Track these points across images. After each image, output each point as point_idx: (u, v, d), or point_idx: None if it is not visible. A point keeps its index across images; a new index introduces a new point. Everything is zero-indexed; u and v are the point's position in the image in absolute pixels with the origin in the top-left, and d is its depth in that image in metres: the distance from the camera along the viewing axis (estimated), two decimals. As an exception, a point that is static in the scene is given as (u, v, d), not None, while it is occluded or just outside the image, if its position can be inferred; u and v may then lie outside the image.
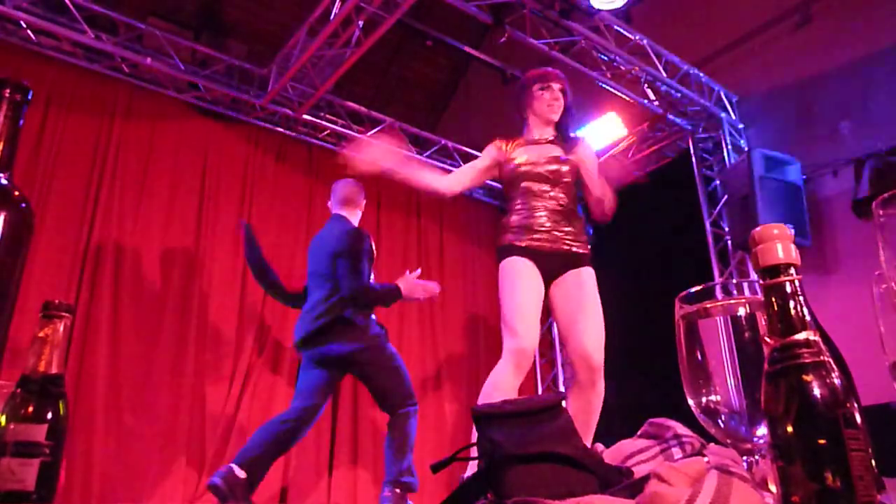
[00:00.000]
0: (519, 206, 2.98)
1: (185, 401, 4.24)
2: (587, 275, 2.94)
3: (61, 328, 0.98)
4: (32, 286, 3.72)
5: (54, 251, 4.06)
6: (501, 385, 2.70)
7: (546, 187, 2.97)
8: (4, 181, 0.88)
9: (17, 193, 0.88)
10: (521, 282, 2.84)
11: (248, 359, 4.59)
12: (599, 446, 1.12)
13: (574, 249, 2.95)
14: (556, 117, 3.16)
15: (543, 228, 2.91)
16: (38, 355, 0.96)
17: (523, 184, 2.99)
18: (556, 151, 3.06)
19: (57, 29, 4.27)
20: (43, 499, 0.89)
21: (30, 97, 0.93)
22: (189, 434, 4.22)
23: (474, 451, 0.97)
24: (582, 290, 2.90)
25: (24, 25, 4.22)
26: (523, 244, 2.88)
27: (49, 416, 0.93)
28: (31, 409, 0.92)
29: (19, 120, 0.91)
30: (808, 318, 0.61)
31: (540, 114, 3.15)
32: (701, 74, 5.02)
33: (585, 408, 2.83)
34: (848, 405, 0.57)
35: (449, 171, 5.96)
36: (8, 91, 0.91)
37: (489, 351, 5.71)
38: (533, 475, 0.87)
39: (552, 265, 2.90)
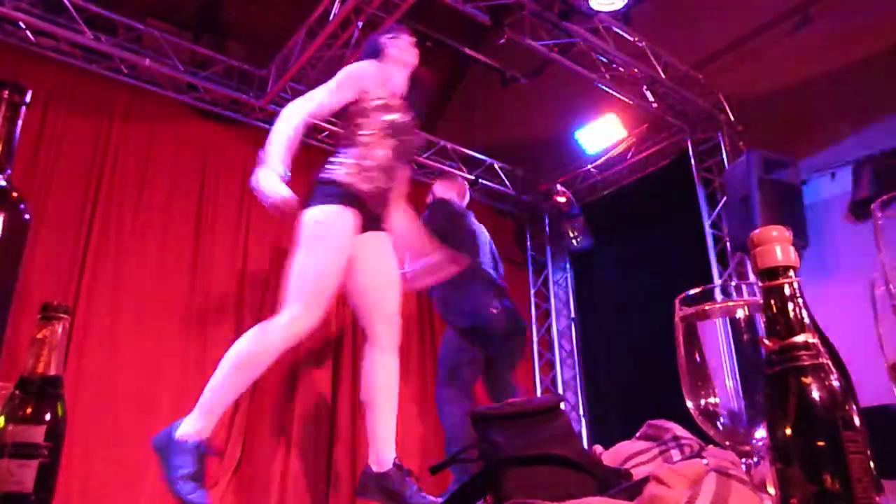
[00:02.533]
0: None
1: (185, 402, 4.23)
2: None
3: (60, 330, 0.98)
4: (31, 287, 3.72)
5: (53, 252, 4.06)
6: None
7: None
8: (3, 182, 0.88)
9: (15, 194, 0.88)
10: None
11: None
12: (598, 448, 1.12)
13: None
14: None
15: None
16: (36, 357, 0.96)
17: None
18: None
19: (56, 30, 4.27)
20: (41, 500, 0.89)
21: (28, 98, 0.93)
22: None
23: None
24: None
25: (23, 26, 4.22)
26: None
27: (47, 417, 0.93)
28: (29, 410, 0.92)
29: (18, 121, 0.91)
30: (807, 320, 0.61)
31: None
32: (700, 76, 5.02)
33: (393, 371, 2.96)
34: (847, 407, 0.57)
35: (450, 173, 5.99)
36: (6, 92, 0.91)
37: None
38: (532, 477, 0.87)
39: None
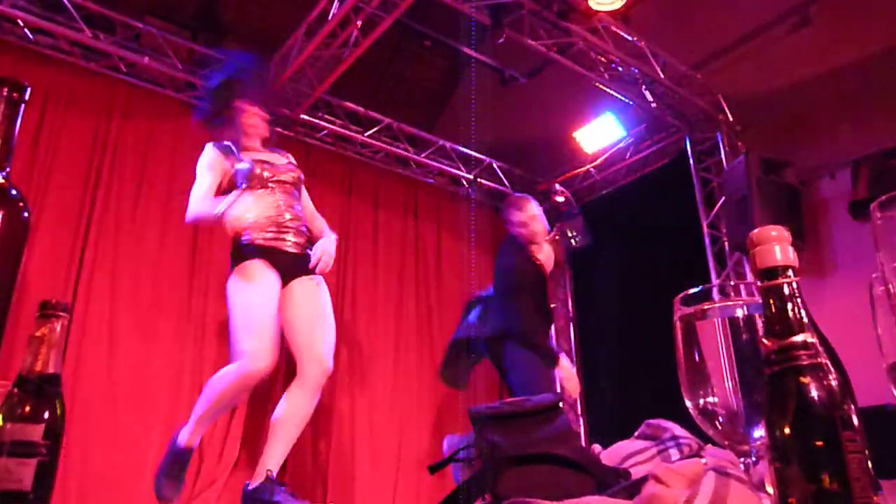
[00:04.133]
0: None
1: (184, 401, 4.23)
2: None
3: (58, 328, 0.98)
4: (29, 285, 3.71)
5: (51, 250, 4.06)
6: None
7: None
8: (2, 180, 0.87)
9: (14, 192, 0.88)
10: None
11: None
12: (597, 447, 1.12)
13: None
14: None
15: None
16: (34, 355, 0.95)
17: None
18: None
19: (54, 28, 4.26)
20: (40, 499, 0.88)
21: (27, 96, 0.93)
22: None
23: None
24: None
25: (22, 24, 4.22)
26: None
27: (46, 415, 0.92)
28: (27, 408, 0.92)
29: (17, 119, 0.91)
30: (805, 320, 0.61)
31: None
32: (699, 76, 5.02)
33: (301, 408, 2.91)
34: (845, 407, 0.57)
35: (447, 172, 5.99)
36: (5, 90, 0.90)
37: (486, 352, 5.71)
38: (531, 476, 0.87)
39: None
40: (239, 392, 2.94)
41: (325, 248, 3.07)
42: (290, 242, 3.01)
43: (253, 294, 2.87)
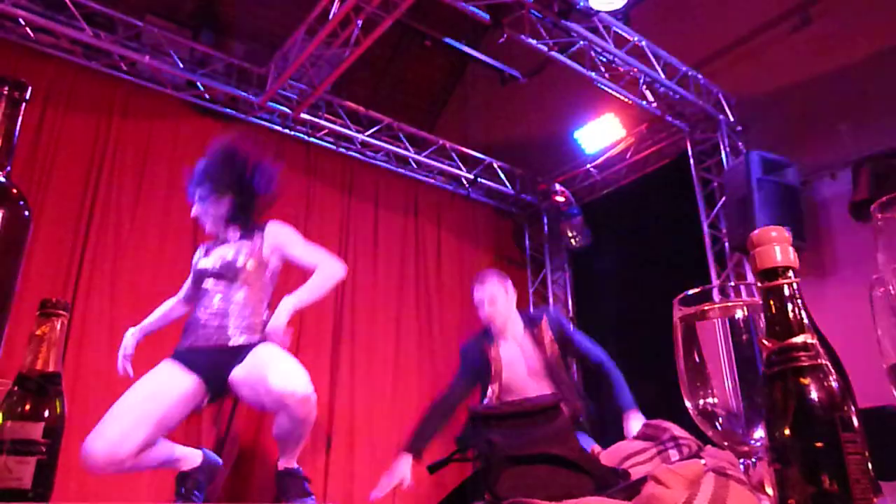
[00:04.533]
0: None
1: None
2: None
3: (58, 326, 0.98)
4: (29, 284, 3.71)
5: (52, 249, 4.06)
6: None
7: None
8: (2, 178, 0.87)
9: (14, 191, 0.88)
10: None
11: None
12: (596, 447, 1.13)
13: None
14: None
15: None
16: (35, 353, 0.96)
17: None
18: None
19: (55, 26, 4.26)
20: (40, 497, 0.88)
21: (28, 95, 0.93)
22: (186, 432, 4.21)
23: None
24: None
25: (23, 23, 4.22)
26: None
27: (46, 414, 0.93)
28: (28, 407, 0.92)
29: (18, 117, 0.91)
30: (806, 321, 0.61)
31: None
32: (699, 76, 5.02)
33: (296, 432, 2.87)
34: (845, 408, 0.57)
35: (447, 172, 5.99)
36: (6, 88, 0.90)
37: (486, 351, 5.71)
38: (530, 476, 0.87)
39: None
40: None
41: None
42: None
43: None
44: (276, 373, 2.63)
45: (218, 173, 3.13)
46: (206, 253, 3.14)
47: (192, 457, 2.92)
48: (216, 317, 2.91)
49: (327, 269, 3.10)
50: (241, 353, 2.80)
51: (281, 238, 3.14)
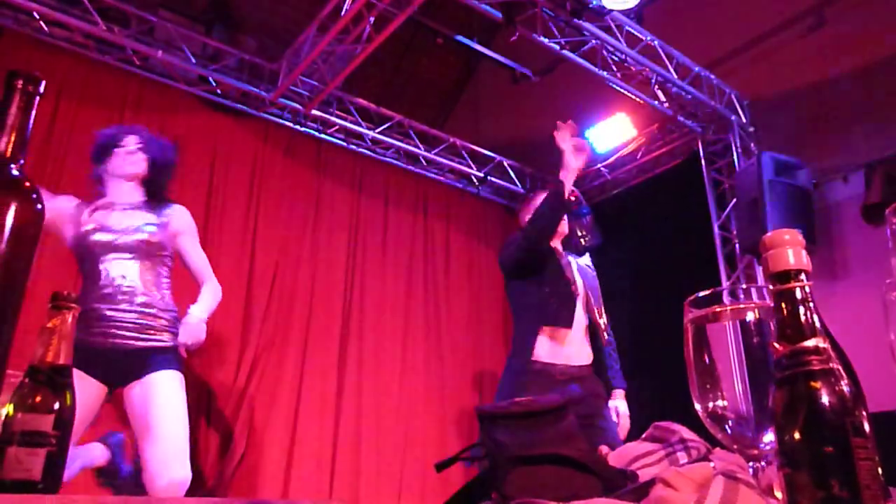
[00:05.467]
0: None
1: (190, 392, 4.24)
2: None
3: (69, 319, 0.98)
4: (41, 277, 3.73)
5: (63, 242, 4.07)
6: None
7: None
8: (16, 171, 0.88)
9: (28, 184, 0.89)
10: None
11: (254, 352, 4.60)
12: (604, 448, 1.12)
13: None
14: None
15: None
16: (46, 346, 0.96)
17: None
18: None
19: (69, 20, 4.28)
20: (49, 488, 0.89)
21: (42, 88, 0.94)
22: (193, 426, 4.22)
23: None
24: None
25: (37, 17, 4.24)
26: None
27: (56, 406, 0.93)
28: (38, 399, 0.92)
29: (31, 111, 0.91)
30: (818, 324, 0.60)
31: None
32: (712, 76, 5.00)
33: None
34: (856, 413, 0.57)
35: (457, 170, 5.99)
36: (20, 82, 0.91)
37: (494, 349, 5.71)
38: (537, 477, 0.87)
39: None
40: None
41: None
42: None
43: None
44: (162, 454, 2.42)
45: (147, 132, 2.88)
46: (97, 220, 2.68)
47: (99, 452, 2.77)
48: (121, 308, 2.57)
49: (217, 290, 2.85)
50: (149, 355, 2.57)
51: (187, 224, 2.85)
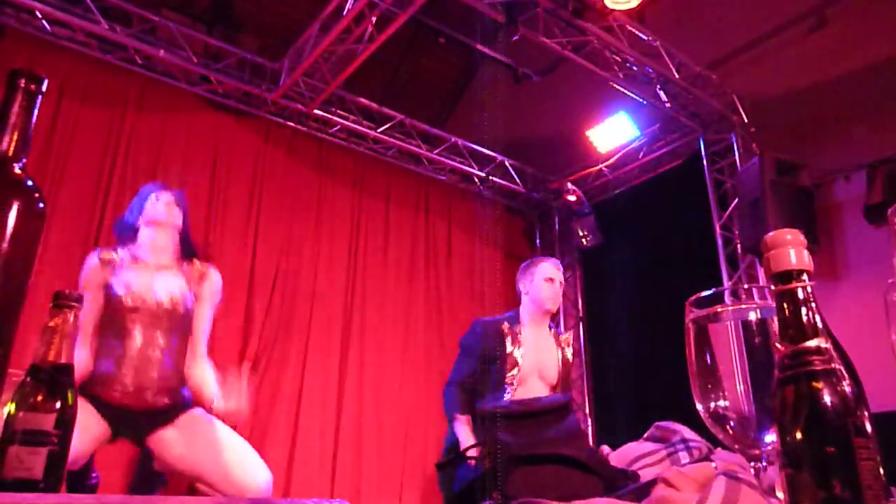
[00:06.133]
0: None
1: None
2: None
3: (71, 318, 0.98)
4: (43, 275, 3.74)
5: (65, 241, 4.08)
6: None
7: None
8: (18, 171, 0.88)
9: (30, 183, 0.89)
10: None
11: (256, 351, 4.61)
12: (605, 448, 1.12)
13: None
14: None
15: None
16: (47, 344, 0.96)
17: None
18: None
19: (71, 19, 4.29)
20: (50, 487, 0.89)
21: (44, 87, 0.94)
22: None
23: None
24: None
25: (39, 15, 4.24)
26: None
27: (58, 405, 0.93)
28: (39, 398, 0.92)
29: (34, 110, 0.91)
30: (819, 324, 0.60)
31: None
32: (714, 76, 4.99)
33: None
34: (858, 413, 0.57)
35: (458, 170, 5.98)
36: (23, 81, 0.91)
37: (495, 349, 5.71)
38: (539, 477, 0.87)
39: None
40: None
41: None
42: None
43: None
44: (238, 463, 2.39)
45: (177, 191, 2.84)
46: (129, 280, 2.58)
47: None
48: (143, 371, 2.48)
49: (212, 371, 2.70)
50: (167, 413, 2.50)
51: (217, 294, 2.76)
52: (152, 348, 2.51)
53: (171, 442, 2.46)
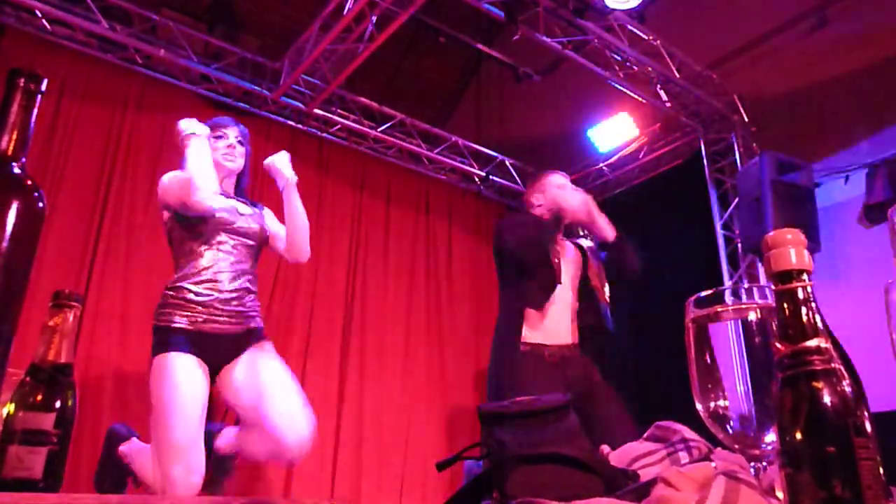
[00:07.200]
0: None
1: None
2: None
3: (71, 317, 0.98)
4: (43, 275, 3.74)
5: (65, 241, 4.09)
6: None
7: None
8: (18, 170, 0.88)
9: (29, 182, 0.89)
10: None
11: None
12: (605, 448, 1.12)
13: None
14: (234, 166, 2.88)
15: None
16: (47, 344, 0.96)
17: None
18: None
19: (71, 19, 4.29)
20: (50, 487, 0.89)
21: (44, 87, 0.94)
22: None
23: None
24: None
25: (39, 14, 4.24)
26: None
27: (57, 404, 0.93)
28: (39, 397, 0.93)
29: (33, 109, 0.91)
30: (819, 324, 0.60)
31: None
32: (714, 76, 4.99)
33: None
34: (858, 413, 0.57)
35: (459, 169, 5.98)
36: (22, 80, 0.91)
37: (495, 349, 5.71)
38: (538, 476, 0.87)
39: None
40: None
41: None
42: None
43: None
44: (284, 409, 2.41)
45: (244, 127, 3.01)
46: (223, 203, 2.68)
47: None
48: (237, 292, 2.56)
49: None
50: (247, 337, 2.58)
51: (276, 224, 2.94)
52: (242, 271, 2.62)
53: (237, 374, 2.50)
